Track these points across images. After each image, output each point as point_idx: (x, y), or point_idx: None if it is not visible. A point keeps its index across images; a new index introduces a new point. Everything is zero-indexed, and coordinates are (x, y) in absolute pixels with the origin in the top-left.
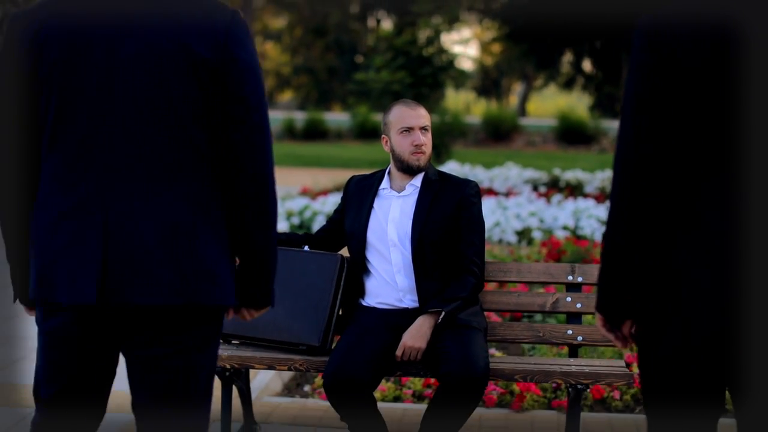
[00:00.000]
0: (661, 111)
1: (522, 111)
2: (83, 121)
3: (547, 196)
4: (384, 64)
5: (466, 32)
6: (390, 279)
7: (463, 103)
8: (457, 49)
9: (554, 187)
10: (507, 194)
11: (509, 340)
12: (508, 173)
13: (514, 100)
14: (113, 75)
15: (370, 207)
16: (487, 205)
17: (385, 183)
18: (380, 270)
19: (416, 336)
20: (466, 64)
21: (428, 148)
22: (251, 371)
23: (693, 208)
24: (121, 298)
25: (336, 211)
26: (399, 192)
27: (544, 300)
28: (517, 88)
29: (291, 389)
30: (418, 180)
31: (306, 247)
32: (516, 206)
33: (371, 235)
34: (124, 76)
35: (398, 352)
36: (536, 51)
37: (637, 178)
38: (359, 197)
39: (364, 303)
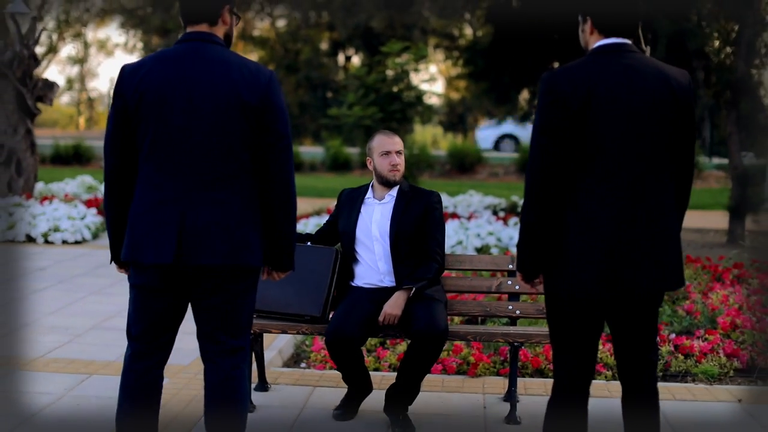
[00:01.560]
0: (556, 135)
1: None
2: (169, 144)
3: (505, 220)
4: (356, 100)
5: (432, 68)
6: (373, 265)
7: (431, 137)
8: (424, 86)
9: (512, 211)
10: (469, 218)
11: (464, 313)
12: (471, 200)
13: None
14: (189, 115)
15: (359, 212)
16: (451, 226)
17: (369, 194)
18: (366, 258)
19: (394, 306)
20: (433, 100)
21: (402, 167)
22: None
23: (573, 198)
24: (189, 261)
25: (331, 215)
26: (380, 200)
27: (491, 283)
28: (483, 123)
29: (290, 366)
30: (394, 191)
31: (309, 243)
32: (476, 227)
33: (359, 232)
34: (197, 115)
35: (380, 318)
36: (495, 89)
37: (541, 178)
38: (350, 205)
39: (353, 284)
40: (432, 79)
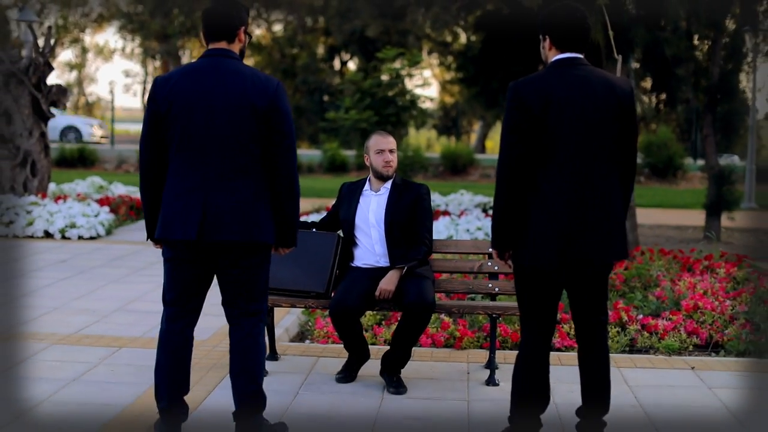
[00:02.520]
0: (520, 133)
1: (481, 148)
2: (193, 142)
3: None
4: (352, 104)
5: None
6: (370, 248)
7: (425, 140)
8: (417, 90)
9: None
10: (459, 215)
11: (450, 290)
12: (461, 198)
13: (474, 137)
14: (210, 118)
15: (357, 202)
16: (442, 222)
17: (367, 186)
18: (364, 242)
19: (388, 282)
20: (427, 104)
21: (394, 163)
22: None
23: (535, 183)
24: (210, 237)
25: (333, 207)
26: (376, 192)
27: (473, 264)
28: (477, 127)
29: (295, 342)
30: (388, 184)
31: (313, 230)
32: (466, 223)
33: (358, 219)
34: (216, 118)
35: (377, 293)
36: (485, 93)
37: (509, 169)
38: (350, 196)
39: (353, 264)
40: (426, 84)
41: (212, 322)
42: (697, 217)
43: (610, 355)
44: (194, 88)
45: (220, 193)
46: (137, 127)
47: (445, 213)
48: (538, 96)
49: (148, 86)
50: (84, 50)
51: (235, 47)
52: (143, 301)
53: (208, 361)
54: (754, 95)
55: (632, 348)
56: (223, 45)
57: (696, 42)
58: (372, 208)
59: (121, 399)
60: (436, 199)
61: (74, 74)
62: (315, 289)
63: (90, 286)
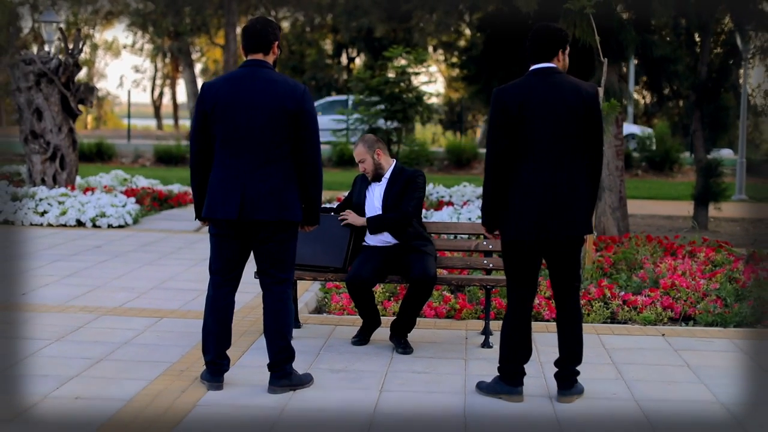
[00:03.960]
0: (503, 130)
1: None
2: (234, 137)
3: None
4: (360, 101)
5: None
6: None
7: (431, 135)
8: (423, 87)
9: None
10: (462, 205)
11: (450, 266)
12: (464, 190)
13: (479, 132)
14: (248, 117)
15: (365, 190)
16: (446, 212)
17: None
18: None
19: (357, 220)
20: (433, 99)
21: (368, 168)
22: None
23: (516, 172)
24: (248, 216)
25: (348, 194)
26: (378, 182)
27: (470, 244)
28: (481, 122)
29: (314, 314)
30: (388, 174)
31: (332, 213)
32: (467, 212)
33: (366, 206)
34: (253, 118)
35: (345, 216)
36: (486, 91)
37: (494, 160)
38: (360, 185)
39: (365, 243)
40: (431, 81)
41: (241, 297)
42: (687, 208)
43: (593, 324)
44: (235, 92)
45: (256, 180)
46: (147, 123)
47: (449, 203)
48: (516, 99)
49: (158, 82)
50: (94, 46)
51: (270, 58)
52: (176, 281)
53: (240, 329)
54: (745, 91)
55: (613, 320)
56: (259, 56)
57: (683, 42)
58: (375, 195)
59: (168, 357)
60: (441, 191)
61: (84, 70)
62: (334, 264)
63: (126, 268)
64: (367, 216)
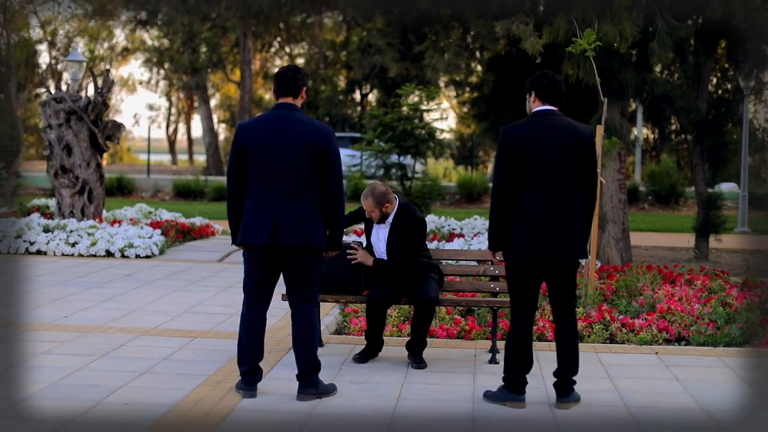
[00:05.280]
0: (508, 165)
1: None
2: (267, 173)
3: None
4: (374, 137)
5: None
6: None
7: (442, 170)
8: (436, 123)
9: None
10: (473, 237)
11: (460, 289)
12: (475, 223)
13: (490, 167)
14: (279, 155)
15: (371, 230)
16: (457, 243)
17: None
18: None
19: (366, 257)
20: (444, 135)
21: (375, 215)
22: None
23: (519, 201)
24: (279, 242)
25: (359, 208)
26: (382, 225)
27: (479, 269)
28: (492, 157)
29: (334, 335)
30: (391, 218)
31: (351, 243)
32: (477, 243)
33: (374, 246)
34: (284, 155)
35: (355, 254)
36: (495, 128)
37: (500, 190)
38: (369, 224)
39: None
40: (443, 118)
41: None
42: (690, 240)
43: (593, 344)
44: (267, 132)
45: (286, 209)
46: (161, 157)
47: (460, 235)
48: (521, 137)
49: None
50: (111, 82)
51: (298, 102)
52: (205, 305)
53: (268, 347)
54: (746, 126)
55: (612, 341)
56: (289, 100)
57: (689, 78)
58: (380, 237)
59: (205, 370)
60: (452, 224)
61: None
62: (351, 288)
63: (157, 294)
64: (375, 257)
